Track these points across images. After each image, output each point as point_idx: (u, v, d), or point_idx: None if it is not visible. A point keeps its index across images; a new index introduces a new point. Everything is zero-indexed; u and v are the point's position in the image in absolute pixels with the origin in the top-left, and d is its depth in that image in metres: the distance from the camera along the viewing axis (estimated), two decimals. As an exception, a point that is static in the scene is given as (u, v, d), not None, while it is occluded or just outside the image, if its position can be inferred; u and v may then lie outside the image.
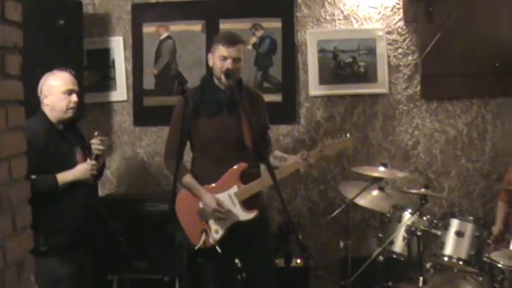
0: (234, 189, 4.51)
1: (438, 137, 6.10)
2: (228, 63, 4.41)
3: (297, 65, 6.06)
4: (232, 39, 4.46)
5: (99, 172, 4.59)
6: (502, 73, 5.93)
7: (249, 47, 5.93)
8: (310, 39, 6.01)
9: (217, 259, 4.50)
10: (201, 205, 4.52)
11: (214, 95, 4.51)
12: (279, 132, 6.08)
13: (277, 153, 4.73)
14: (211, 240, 4.47)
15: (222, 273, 4.63)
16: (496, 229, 5.19)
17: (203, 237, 4.45)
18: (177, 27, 6.10)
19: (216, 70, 4.47)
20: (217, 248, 4.45)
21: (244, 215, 4.51)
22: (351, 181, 5.53)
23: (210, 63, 4.54)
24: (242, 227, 4.51)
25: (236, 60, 4.43)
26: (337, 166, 6.12)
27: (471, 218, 4.78)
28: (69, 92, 4.37)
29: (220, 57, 4.42)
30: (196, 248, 4.46)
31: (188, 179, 4.54)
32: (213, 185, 4.53)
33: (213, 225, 4.50)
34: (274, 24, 6.00)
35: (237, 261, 4.82)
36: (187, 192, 4.56)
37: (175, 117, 4.53)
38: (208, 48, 5.16)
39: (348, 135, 4.60)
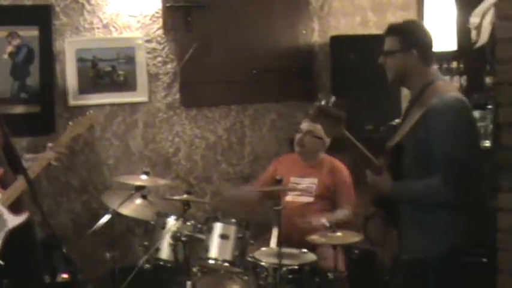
0: None
1: (199, 143, 6.23)
2: None
3: (55, 75, 5.90)
4: None
5: None
6: (258, 80, 6.21)
7: (5, 56, 5.72)
8: (69, 48, 5.88)
9: None
10: None
11: None
12: (37, 144, 5.87)
13: (26, 156, 4.70)
14: None
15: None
16: None
17: None
18: None
19: None
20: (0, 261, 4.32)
21: (15, 219, 4.44)
22: (114, 191, 5.52)
23: None
24: (13, 241, 4.40)
25: None
26: (98, 176, 6.03)
27: (234, 220, 4.93)
28: None
29: None
30: None
31: None
32: None
33: None
34: (31, 33, 5.77)
35: (5, 281, 4.66)
36: None
37: None
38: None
39: (90, 112, 4.81)
